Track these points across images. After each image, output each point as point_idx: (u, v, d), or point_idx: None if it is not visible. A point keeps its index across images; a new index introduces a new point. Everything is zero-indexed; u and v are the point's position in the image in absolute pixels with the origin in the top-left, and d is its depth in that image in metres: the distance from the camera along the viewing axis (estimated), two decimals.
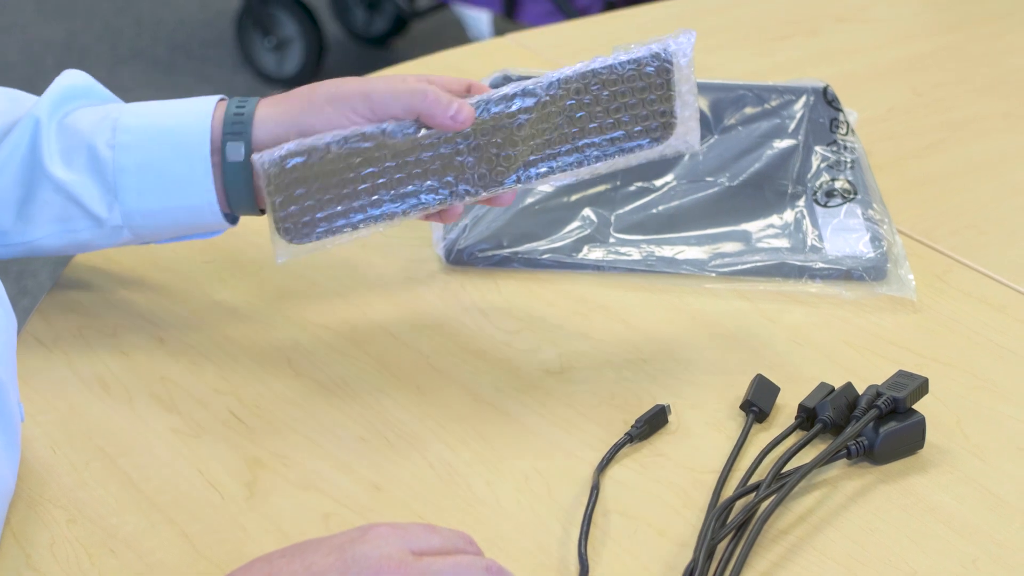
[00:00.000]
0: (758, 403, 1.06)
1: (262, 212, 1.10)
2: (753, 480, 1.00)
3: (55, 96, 1.11)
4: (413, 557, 0.82)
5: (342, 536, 0.84)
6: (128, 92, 3.78)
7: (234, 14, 3.75)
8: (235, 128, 1.08)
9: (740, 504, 0.98)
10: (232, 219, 1.12)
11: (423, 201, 1.07)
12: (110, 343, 1.13)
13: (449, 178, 1.07)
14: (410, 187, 1.06)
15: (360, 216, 1.06)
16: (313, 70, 3.61)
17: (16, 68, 3.67)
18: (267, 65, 3.66)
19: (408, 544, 0.83)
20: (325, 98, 1.07)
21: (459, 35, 3.52)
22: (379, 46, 3.81)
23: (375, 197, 1.06)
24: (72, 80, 1.12)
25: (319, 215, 1.05)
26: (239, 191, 1.09)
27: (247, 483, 1.00)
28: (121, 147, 1.08)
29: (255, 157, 1.05)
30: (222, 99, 1.11)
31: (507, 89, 1.07)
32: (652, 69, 1.07)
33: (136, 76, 3.67)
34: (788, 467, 1.00)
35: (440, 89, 1.06)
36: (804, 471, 0.98)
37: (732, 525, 0.95)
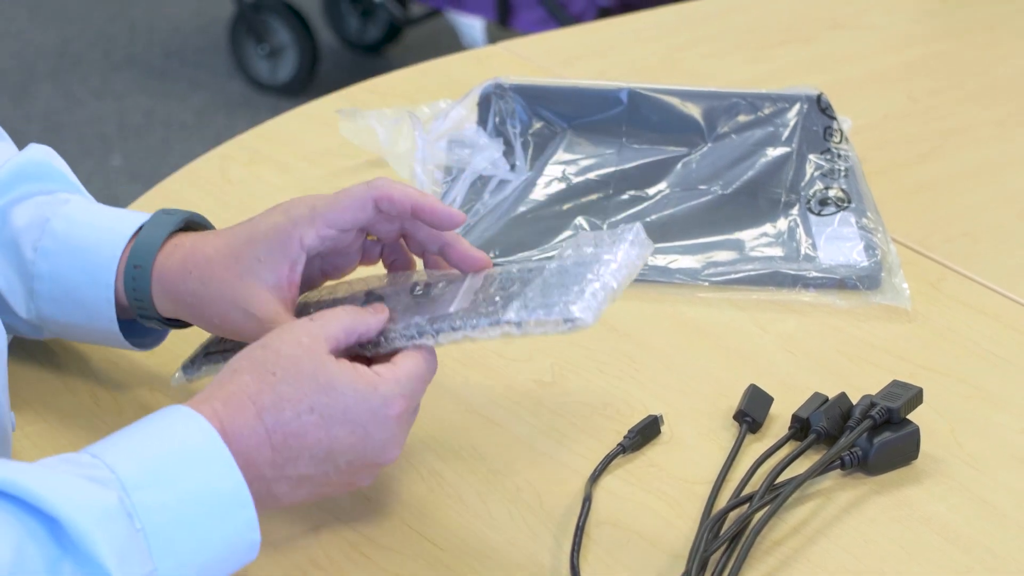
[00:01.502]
0: (751, 413, 1.05)
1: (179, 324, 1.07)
2: (746, 491, 0.99)
3: (5, 178, 1.07)
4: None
5: (364, 408, 0.90)
6: (122, 98, 3.78)
7: (228, 21, 3.75)
8: (141, 311, 1.04)
9: (733, 515, 0.97)
10: (151, 342, 1.09)
11: None
12: (99, 353, 1.13)
13: None
14: None
15: None
16: (306, 78, 3.61)
17: (9, 74, 3.66)
18: (260, 72, 3.66)
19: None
20: (209, 322, 1.01)
21: (453, 42, 3.51)
22: (373, 53, 3.80)
23: None
24: (26, 160, 1.08)
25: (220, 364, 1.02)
26: (145, 325, 1.06)
27: None
28: (42, 252, 1.05)
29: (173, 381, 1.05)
30: (155, 215, 1.05)
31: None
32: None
33: (130, 83, 3.67)
34: (782, 478, 0.99)
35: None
36: (798, 482, 0.98)
37: (725, 536, 0.94)
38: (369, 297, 1.00)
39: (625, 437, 1.04)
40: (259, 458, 0.89)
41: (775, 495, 0.97)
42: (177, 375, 1.04)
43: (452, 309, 0.95)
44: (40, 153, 1.10)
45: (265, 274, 0.98)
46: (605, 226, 1.25)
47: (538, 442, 1.05)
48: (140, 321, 1.05)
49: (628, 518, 0.98)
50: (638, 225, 0.97)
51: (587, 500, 0.98)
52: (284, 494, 0.91)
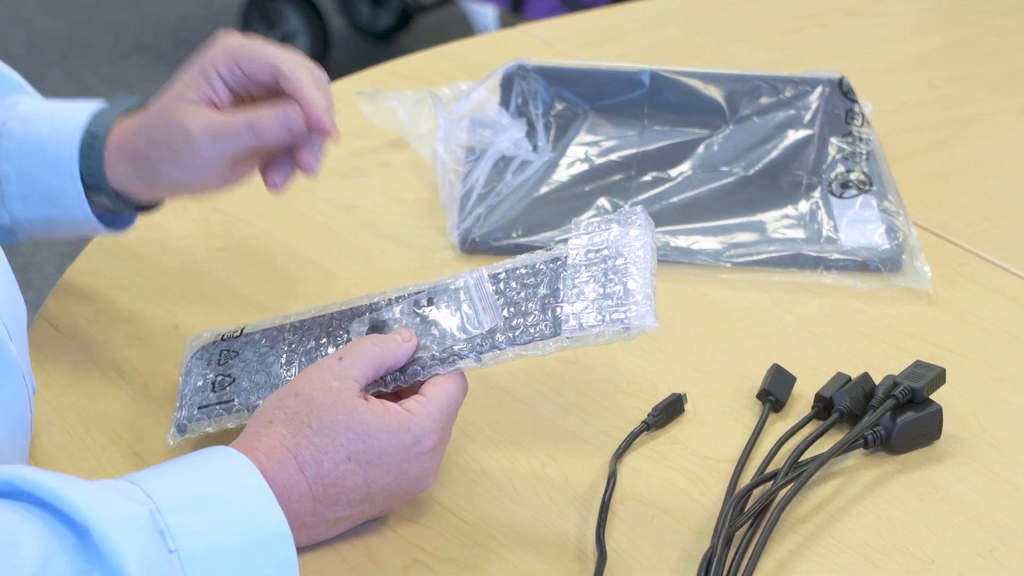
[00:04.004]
0: (775, 392, 1.06)
1: (146, 208, 1.10)
2: (770, 469, 1.00)
3: None
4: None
5: (398, 450, 0.91)
6: (133, 86, 3.79)
7: (238, 8, 3.75)
8: (92, 181, 1.07)
9: (757, 492, 0.97)
10: (122, 222, 1.11)
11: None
12: (125, 329, 1.13)
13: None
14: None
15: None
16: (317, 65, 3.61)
17: (20, 62, 3.66)
18: None
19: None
20: (161, 158, 1.04)
21: (464, 30, 3.51)
22: (384, 41, 3.80)
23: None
24: None
25: (212, 416, 1.00)
26: (113, 217, 1.09)
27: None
28: (4, 154, 1.08)
29: (186, 342, 1.06)
30: (99, 112, 1.09)
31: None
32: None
33: (140, 70, 3.67)
34: (805, 456, 1.00)
35: (266, 111, 1.02)
36: (821, 460, 0.98)
37: (750, 513, 0.94)
38: (373, 321, 1.00)
39: (649, 415, 1.04)
40: (301, 509, 0.90)
41: (799, 473, 0.97)
42: (172, 433, 1.00)
43: (487, 327, 0.95)
44: None
45: (192, 95, 1.04)
46: (627, 207, 1.25)
47: (562, 419, 1.05)
48: (92, 199, 1.07)
49: (652, 495, 0.98)
50: (640, 208, 0.99)
51: (612, 476, 0.99)
52: (322, 535, 0.93)
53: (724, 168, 1.30)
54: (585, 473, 1.00)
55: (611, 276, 0.95)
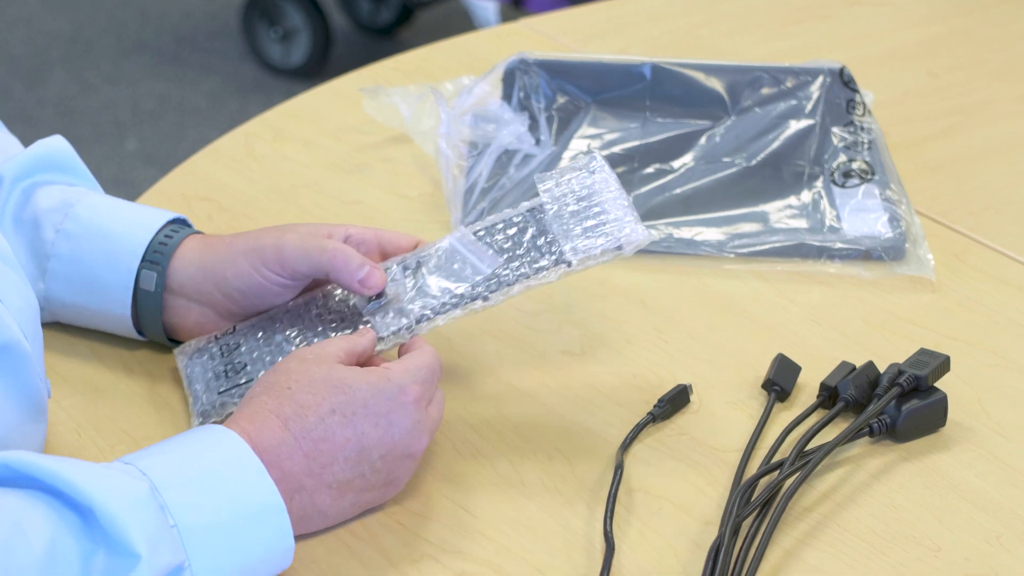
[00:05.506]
0: (780, 382, 1.06)
1: (171, 341, 1.10)
2: (776, 458, 1.00)
3: (28, 162, 1.10)
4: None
5: (382, 398, 0.93)
6: (135, 84, 3.79)
7: (240, 5, 3.75)
8: (154, 257, 1.07)
9: (764, 482, 0.98)
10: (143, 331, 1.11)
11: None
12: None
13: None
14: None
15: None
16: (319, 61, 3.61)
17: (21, 61, 3.67)
18: (273, 56, 3.66)
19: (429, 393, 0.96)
20: (241, 250, 1.06)
21: (465, 25, 3.51)
22: (385, 36, 3.81)
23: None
24: (52, 149, 1.12)
25: (236, 397, 1.03)
26: (148, 317, 1.09)
27: None
28: (64, 234, 1.08)
29: (177, 352, 1.08)
30: (176, 219, 1.10)
31: (423, 251, 1.06)
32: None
33: (142, 68, 3.67)
34: (811, 445, 1.00)
35: (351, 252, 1.03)
36: (827, 449, 0.99)
37: (757, 503, 0.95)
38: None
39: (655, 406, 1.04)
40: (294, 467, 0.91)
41: (805, 462, 0.98)
42: (196, 424, 1.02)
43: (488, 270, 1.01)
44: (64, 144, 1.13)
45: (310, 228, 1.06)
46: (631, 199, 1.25)
47: (569, 412, 1.05)
48: (141, 272, 1.07)
49: (659, 485, 0.99)
50: (595, 151, 1.08)
51: (619, 468, 0.99)
52: (329, 506, 0.93)
53: (726, 159, 1.30)
54: (592, 465, 1.00)
55: (591, 210, 1.03)
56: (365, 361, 0.99)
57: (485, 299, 1.01)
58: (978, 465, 1.01)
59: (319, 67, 3.60)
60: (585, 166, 1.07)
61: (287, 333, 1.05)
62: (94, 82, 3.60)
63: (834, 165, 1.29)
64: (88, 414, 1.05)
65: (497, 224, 1.06)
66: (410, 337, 1.01)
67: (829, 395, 1.05)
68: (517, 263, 1.02)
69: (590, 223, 1.02)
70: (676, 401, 1.05)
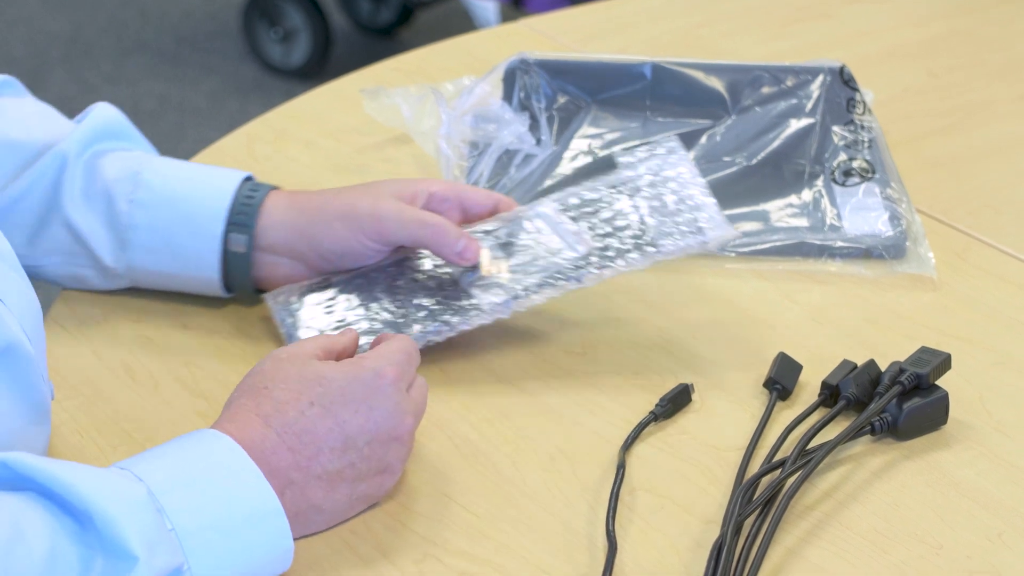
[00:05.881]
0: (781, 381, 1.06)
1: (258, 292, 1.13)
2: (778, 457, 1.00)
3: (86, 134, 1.12)
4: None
5: (359, 385, 0.93)
6: (135, 84, 3.78)
7: (240, 5, 3.75)
8: (240, 219, 1.10)
9: (765, 481, 0.98)
10: (231, 289, 1.14)
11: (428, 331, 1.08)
12: (134, 329, 1.14)
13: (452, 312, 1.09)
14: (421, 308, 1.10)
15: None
16: (319, 61, 3.61)
17: (22, 62, 3.67)
18: (273, 56, 3.66)
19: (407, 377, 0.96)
20: (337, 214, 1.09)
21: (465, 25, 3.52)
22: (385, 36, 3.81)
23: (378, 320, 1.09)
24: (104, 118, 1.14)
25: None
26: (237, 276, 1.12)
27: None
28: (137, 203, 1.10)
29: (268, 297, 1.11)
30: (246, 178, 1.13)
31: (514, 213, 1.12)
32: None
33: (142, 68, 3.68)
34: (812, 444, 1.00)
35: (448, 226, 1.08)
36: (829, 447, 0.99)
37: (759, 501, 0.95)
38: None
39: (657, 405, 1.05)
40: (280, 462, 0.91)
41: (807, 460, 0.98)
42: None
43: (582, 251, 1.08)
44: (114, 111, 1.15)
45: (395, 190, 1.10)
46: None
47: (570, 411, 1.06)
48: (229, 236, 1.10)
49: (661, 485, 0.99)
50: (674, 136, 1.14)
51: (621, 467, 0.99)
52: (323, 500, 0.93)
53: (727, 158, 1.30)
54: (594, 465, 1.01)
55: (680, 200, 1.09)
56: (343, 359, 0.99)
57: (579, 280, 1.07)
58: (979, 463, 1.01)
59: (319, 67, 3.61)
60: (668, 152, 1.13)
61: (381, 294, 1.09)
62: (94, 82, 3.60)
63: (835, 164, 1.29)
64: (90, 416, 1.05)
65: (582, 200, 1.11)
66: (510, 314, 1.07)
67: (830, 394, 1.05)
68: (607, 246, 1.08)
69: (681, 217, 1.08)
70: (678, 400, 1.05)
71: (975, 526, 0.96)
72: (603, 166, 1.30)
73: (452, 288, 1.09)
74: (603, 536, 0.94)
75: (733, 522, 0.93)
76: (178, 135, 3.43)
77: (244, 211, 1.10)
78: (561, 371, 1.09)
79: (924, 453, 1.02)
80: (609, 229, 1.09)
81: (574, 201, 1.12)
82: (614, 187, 1.12)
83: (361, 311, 1.09)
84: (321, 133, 1.42)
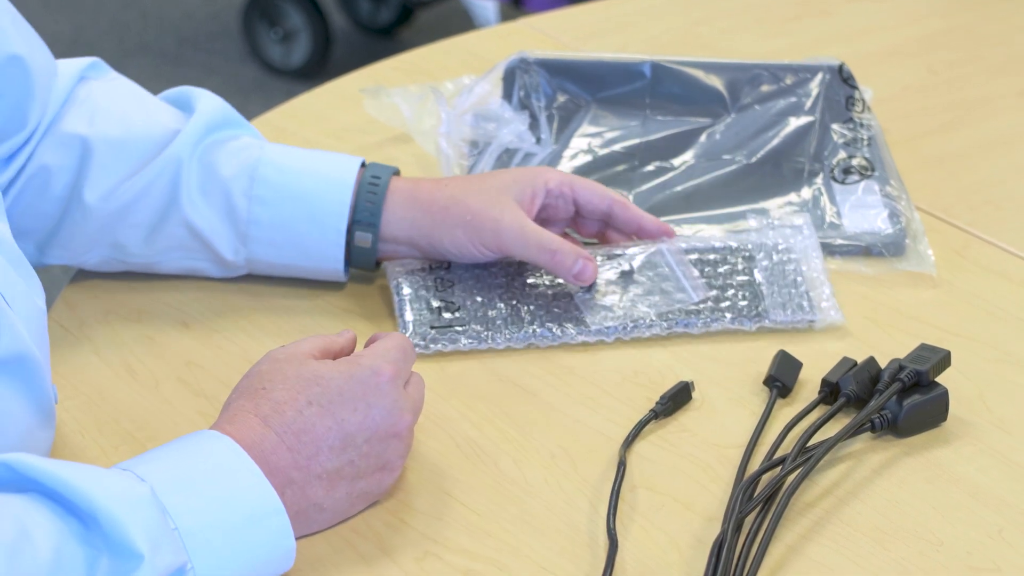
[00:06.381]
0: (781, 378, 1.06)
1: (378, 266, 1.16)
2: (778, 454, 1.00)
3: (197, 131, 1.13)
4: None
5: (356, 383, 0.93)
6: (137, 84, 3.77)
7: (240, 6, 3.75)
8: (365, 217, 1.12)
9: (766, 478, 0.98)
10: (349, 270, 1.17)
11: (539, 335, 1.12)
12: (135, 328, 1.14)
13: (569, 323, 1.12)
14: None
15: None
16: (319, 61, 3.61)
17: None
18: (273, 57, 3.66)
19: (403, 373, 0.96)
20: (459, 222, 1.12)
21: (465, 24, 3.52)
22: (385, 36, 3.81)
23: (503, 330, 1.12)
24: (211, 111, 1.15)
25: (443, 338, 1.11)
26: (359, 262, 1.15)
27: None
28: (257, 200, 1.12)
29: (388, 266, 1.15)
30: (362, 165, 1.14)
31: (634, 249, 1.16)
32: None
33: (143, 69, 3.68)
34: (813, 441, 1.00)
35: (567, 249, 1.11)
36: (829, 444, 0.99)
37: (759, 499, 0.95)
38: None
39: (657, 403, 1.05)
40: (280, 461, 0.91)
41: (807, 458, 0.98)
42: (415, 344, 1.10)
43: (697, 298, 1.12)
44: (216, 100, 1.17)
45: (515, 191, 1.13)
46: (631, 197, 1.26)
47: (571, 409, 1.06)
48: (355, 233, 1.13)
49: (662, 482, 0.99)
50: (806, 217, 1.19)
51: (621, 465, 0.99)
52: (323, 498, 0.93)
53: (726, 156, 1.30)
54: (595, 462, 1.01)
55: (796, 276, 1.14)
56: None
57: (687, 326, 1.11)
58: (979, 460, 1.01)
59: (319, 67, 3.61)
60: (796, 230, 1.18)
61: (498, 288, 1.13)
62: None
63: (834, 162, 1.29)
64: (91, 415, 1.05)
65: (705, 251, 1.16)
66: (613, 339, 1.10)
67: (830, 391, 1.05)
68: (721, 301, 1.12)
69: (794, 290, 1.13)
70: (678, 398, 1.05)
71: (976, 522, 0.96)
72: (602, 165, 1.30)
73: (566, 300, 1.13)
74: (604, 534, 0.94)
75: (734, 519, 0.93)
76: None
77: (368, 208, 1.12)
78: (562, 369, 1.10)
79: (924, 450, 1.02)
80: (727, 283, 1.14)
81: (699, 245, 1.16)
82: (741, 244, 1.17)
83: (478, 299, 1.12)
84: (322, 133, 1.42)
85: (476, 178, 1.15)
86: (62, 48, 3.74)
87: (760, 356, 1.10)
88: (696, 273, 1.14)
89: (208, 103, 1.15)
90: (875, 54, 1.58)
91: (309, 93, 1.50)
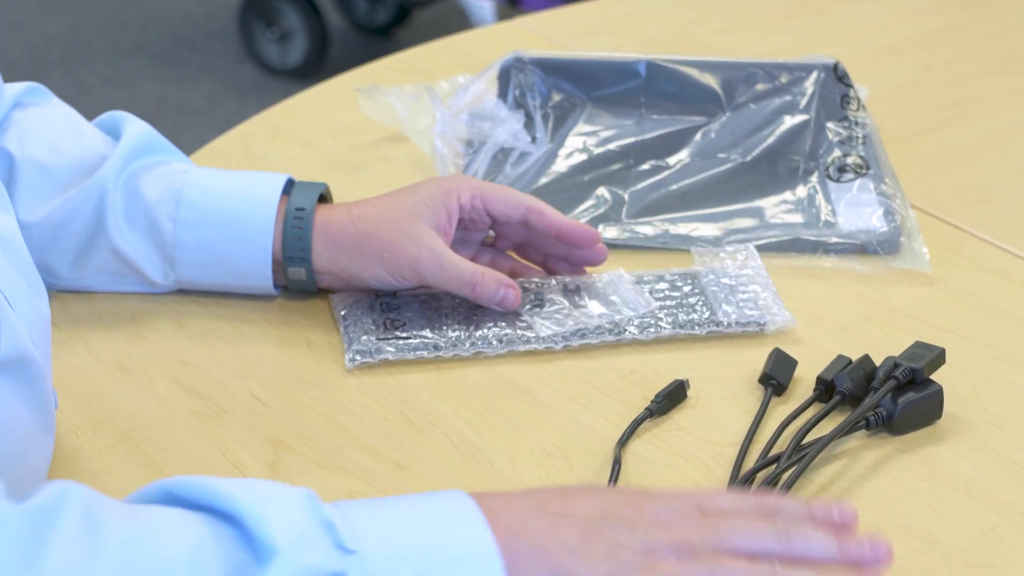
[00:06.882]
0: (776, 376, 1.06)
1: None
2: (773, 452, 1.00)
3: (123, 157, 1.13)
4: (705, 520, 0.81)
5: (630, 510, 0.80)
6: (134, 86, 3.78)
7: (237, 6, 3.75)
8: (295, 252, 1.12)
9: (761, 476, 0.98)
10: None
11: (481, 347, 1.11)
12: (129, 328, 1.14)
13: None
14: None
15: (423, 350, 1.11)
16: (316, 61, 3.62)
17: (20, 64, 3.67)
18: (270, 57, 3.67)
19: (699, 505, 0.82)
20: (376, 258, 1.11)
21: (462, 24, 3.52)
22: (382, 36, 3.81)
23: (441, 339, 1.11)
24: (136, 137, 1.15)
25: (388, 347, 1.10)
26: (304, 288, 1.15)
27: (270, 464, 1.01)
28: (182, 223, 1.12)
29: (334, 298, 1.14)
30: (288, 179, 1.14)
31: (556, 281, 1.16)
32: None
33: (140, 70, 3.68)
34: (808, 439, 1.00)
35: (490, 277, 1.10)
36: (824, 442, 0.99)
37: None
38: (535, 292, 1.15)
39: (652, 401, 1.05)
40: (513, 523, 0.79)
41: (802, 455, 0.98)
42: (352, 358, 1.09)
43: (643, 311, 1.13)
44: (143, 126, 1.17)
45: (429, 216, 1.11)
46: (627, 195, 1.26)
47: (566, 408, 1.06)
48: (288, 269, 1.13)
49: (657, 481, 0.99)
50: (750, 245, 1.20)
51: (616, 463, 0.99)
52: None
53: (722, 155, 1.30)
54: (590, 461, 1.01)
55: (745, 288, 1.15)
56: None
57: (637, 333, 1.11)
58: (974, 457, 1.01)
59: (316, 67, 3.61)
60: (741, 253, 1.19)
61: (446, 308, 1.13)
62: (92, 84, 3.60)
63: (829, 160, 1.29)
64: (85, 416, 1.05)
65: (652, 276, 1.17)
66: (562, 347, 1.10)
67: (826, 389, 1.05)
68: (670, 311, 1.13)
69: (742, 297, 1.14)
70: (673, 396, 1.05)
71: (971, 520, 0.96)
72: (598, 164, 1.30)
73: (512, 313, 1.13)
74: None
75: None
76: (175, 137, 3.40)
77: (296, 244, 1.12)
78: (556, 368, 1.10)
79: (919, 447, 1.02)
80: (670, 298, 1.14)
81: (642, 273, 1.17)
82: (682, 273, 1.17)
83: (425, 313, 1.13)
84: (317, 132, 1.42)
85: (388, 203, 1.12)
86: (59, 49, 3.76)
87: (755, 354, 1.10)
88: (644, 293, 1.14)
89: (134, 129, 1.15)
90: (871, 52, 1.58)
91: (304, 93, 1.50)
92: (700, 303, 1.14)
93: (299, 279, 1.14)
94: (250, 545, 0.75)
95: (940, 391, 1.03)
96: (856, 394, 1.04)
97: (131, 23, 3.93)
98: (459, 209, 1.13)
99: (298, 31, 3.62)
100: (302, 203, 1.13)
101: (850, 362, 1.06)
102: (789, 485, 0.96)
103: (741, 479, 0.97)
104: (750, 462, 1.00)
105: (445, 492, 0.80)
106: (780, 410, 1.05)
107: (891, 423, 1.02)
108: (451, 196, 1.12)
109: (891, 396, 1.02)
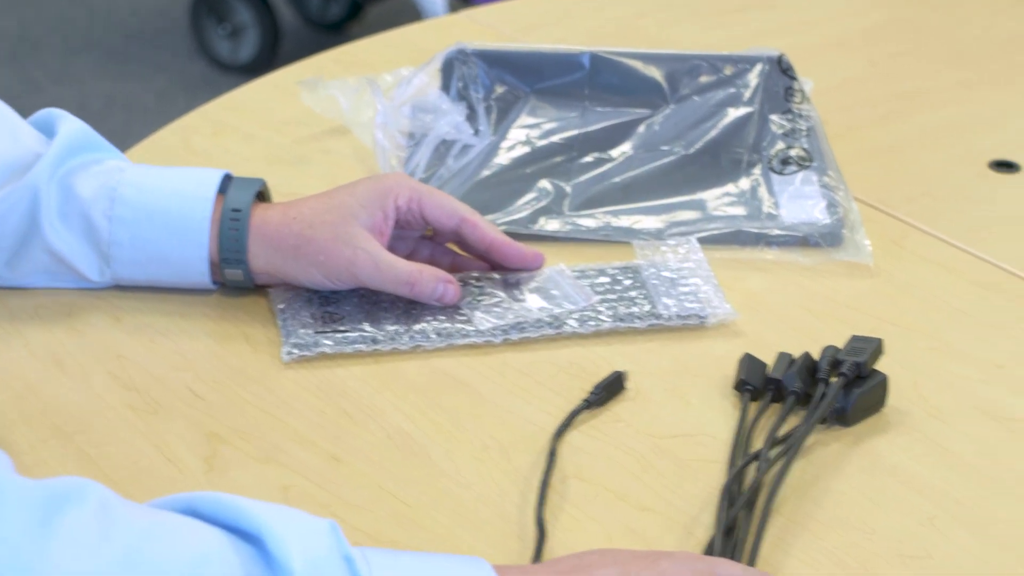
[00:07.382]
0: (751, 381, 1.05)
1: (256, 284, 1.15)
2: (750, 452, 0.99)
3: (57, 155, 1.12)
4: None
5: (649, 572, 0.84)
6: (83, 83, 3.76)
7: (188, 2, 3.73)
8: (232, 254, 1.11)
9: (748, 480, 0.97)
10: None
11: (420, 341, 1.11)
12: (65, 322, 1.12)
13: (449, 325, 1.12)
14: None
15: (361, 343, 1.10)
16: (268, 57, 3.60)
17: None
18: (222, 52, 3.65)
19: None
20: (312, 262, 1.10)
21: (414, 19, 3.50)
22: (335, 31, 3.80)
23: (380, 333, 1.10)
24: (70, 135, 1.13)
25: (326, 341, 1.09)
26: (242, 286, 1.14)
27: (206, 458, 1.00)
28: (117, 220, 1.11)
29: (272, 292, 1.13)
30: (225, 175, 1.13)
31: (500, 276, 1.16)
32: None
33: (90, 66, 3.65)
34: (780, 432, 1.00)
35: (428, 274, 1.10)
36: (797, 438, 0.98)
37: (741, 500, 0.94)
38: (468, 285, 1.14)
39: (591, 393, 1.04)
40: None
41: (781, 453, 0.97)
42: (289, 351, 1.08)
43: (583, 304, 1.13)
44: (78, 123, 1.15)
45: (365, 217, 1.10)
46: (569, 188, 1.26)
47: (504, 400, 1.05)
48: (224, 271, 1.12)
49: (595, 473, 0.99)
50: (693, 238, 1.19)
51: (552, 455, 0.99)
52: None
53: (665, 147, 1.30)
54: (527, 453, 1.00)
55: (686, 281, 1.15)
56: None
57: (575, 328, 1.11)
58: (914, 448, 1.01)
59: (268, 63, 3.59)
60: (683, 246, 1.19)
61: (385, 302, 1.12)
62: (41, 81, 3.58)
63: (772, 152, 1.29)
64: (19, 409, 1.03)
65: (593, 269, 1.17)
66: (502, 340, 1.10)
67: (776, 388, 1.04)
68: (611, 305, 1.13)
69: (683, 290, 1.14)
70: (611, 388, 1.05)
71: (908, 511, 0.96)
72: (540, 156, 1.29)
73: (452, 307, 1.12)
74: (534, 523, 0.94)
75: (723, 526, 0.92)
76: (125, 134, 3.40)
77: (232, 246, 1.11)
78: (496, 360, 1.09)
79: (859, 440, 1.02)
80: (611, 292, 1.14)
81: (583, 267, 1.17)
82: (623, 266, 1.17)
83: (364, 307, 1.12)
84: (260, 125, 1.41)
85: (323, 204, 1.11)
86: (7, 45, 3.73)
87: (695, 346, 1.09)
88: (584, 286, 1.14)
89: (68, 126, 1.14)
90: (817, 46, 1.58)
91: (247, 86, 1.49)
92: (641, 296, 1.14)
93: (236, 279, 1.13)
94: (267, 564, 0.76)
95: (885, 379, 1.03)
96: (806, 391, 1.03)
97: (80, 19, 3.91)
98: (396, 210, 1.12)
99: (250, 27, 3.60)
100: (238, 204, 1.12)
101: (793, 359, 1.05)
102: (778, 481, 0.95)
103: (728, 483, 0.95)
104: (717, 466, 0.99)
105: (466, 556, 0.84)
106: (733, 413, 1.04)
107: (844, 416, 1.02)
108: (388, 197, 1.11)
109: (842, 391, 1.02)
